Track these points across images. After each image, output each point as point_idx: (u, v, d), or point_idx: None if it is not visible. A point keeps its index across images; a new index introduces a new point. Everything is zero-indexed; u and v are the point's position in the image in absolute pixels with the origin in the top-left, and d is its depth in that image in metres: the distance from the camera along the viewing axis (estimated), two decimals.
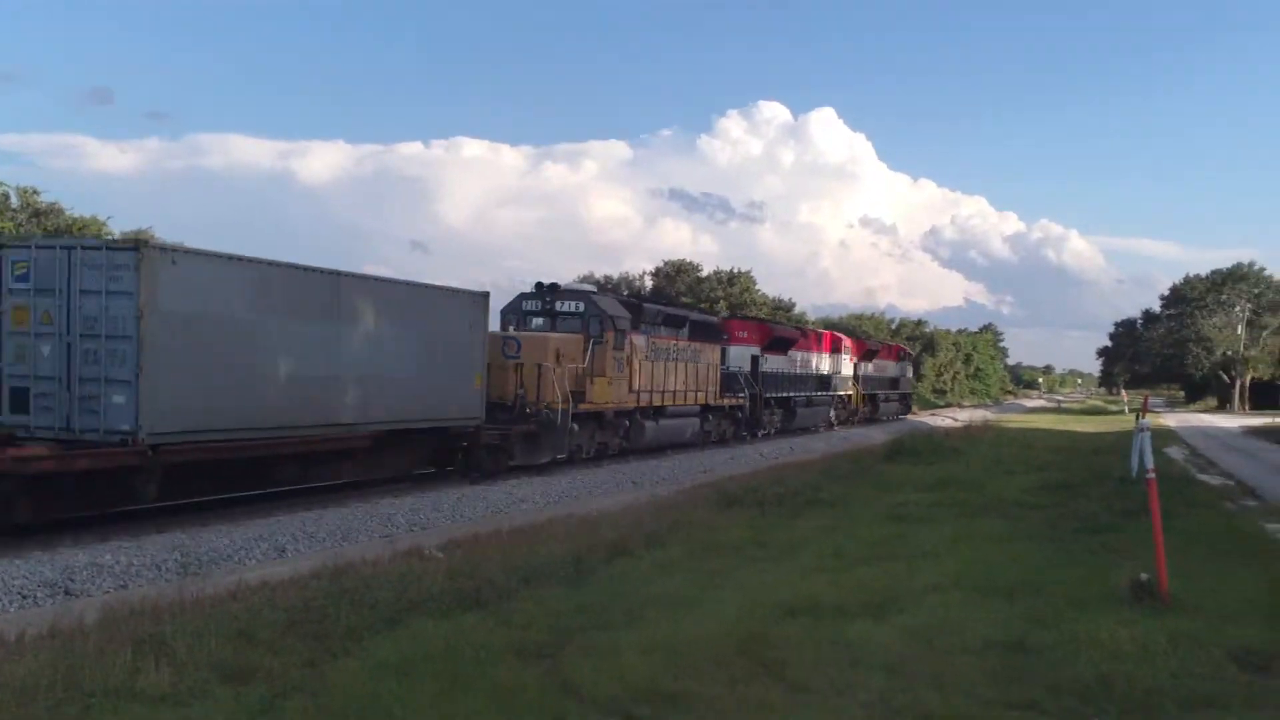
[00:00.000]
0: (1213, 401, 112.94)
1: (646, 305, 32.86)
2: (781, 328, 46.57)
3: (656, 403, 30.51)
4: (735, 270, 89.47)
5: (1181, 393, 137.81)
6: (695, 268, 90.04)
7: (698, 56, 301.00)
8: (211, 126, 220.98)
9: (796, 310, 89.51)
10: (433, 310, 21.43)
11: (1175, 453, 37.09)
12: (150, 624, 9.11)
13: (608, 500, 21.14)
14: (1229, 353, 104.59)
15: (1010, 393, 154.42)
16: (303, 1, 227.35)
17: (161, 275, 14.97)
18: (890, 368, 62.98)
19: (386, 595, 10.40)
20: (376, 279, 20.79)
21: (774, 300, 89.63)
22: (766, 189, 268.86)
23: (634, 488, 23.78)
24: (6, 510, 14.01)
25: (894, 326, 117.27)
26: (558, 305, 28.04)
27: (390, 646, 8.66)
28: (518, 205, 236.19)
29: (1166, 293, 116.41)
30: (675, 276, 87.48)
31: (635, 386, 29.11)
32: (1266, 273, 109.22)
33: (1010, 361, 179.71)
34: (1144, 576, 10.60)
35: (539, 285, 28.73)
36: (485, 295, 23.39)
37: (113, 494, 15.30)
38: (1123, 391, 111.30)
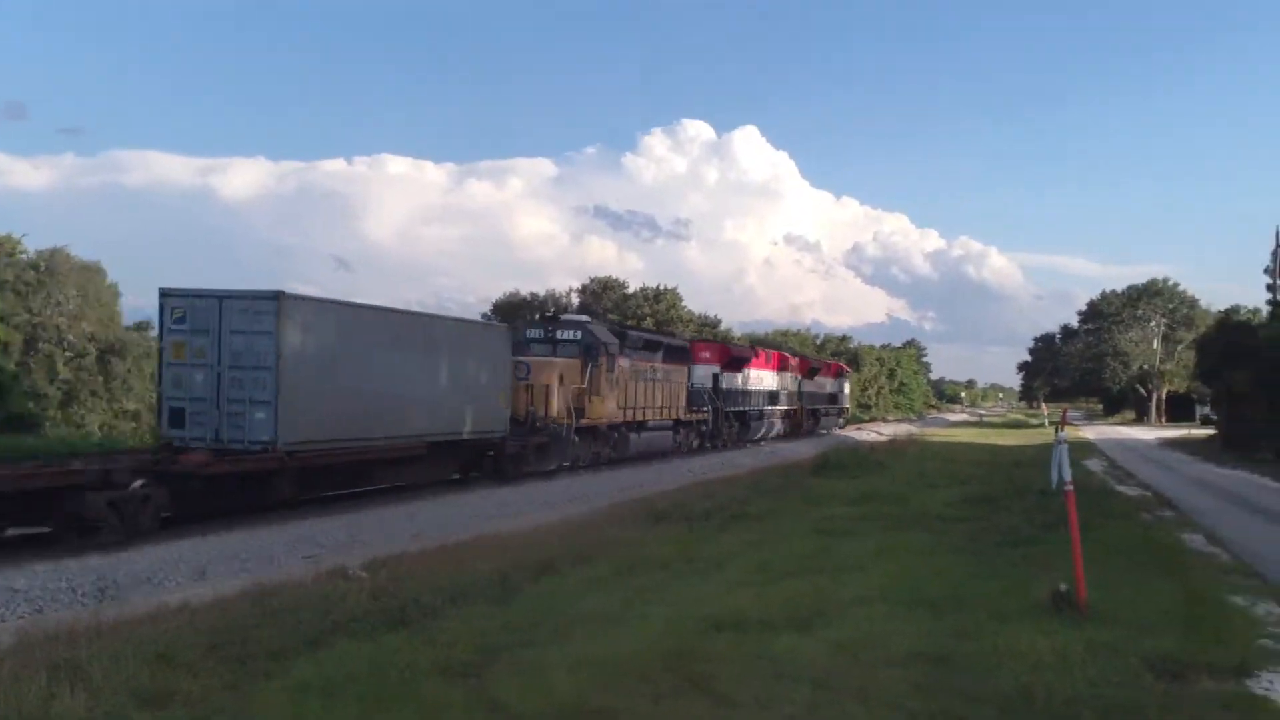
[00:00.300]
0: (1130, 414, 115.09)
1: (630, 332, 36.62)
2: (738, 348, 50.89)
3: (639, 418, 34.39)
4: (661, 287, 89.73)
5: (1100, 406, 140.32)
6: (621, 285, 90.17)
7: (621, 74, 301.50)
8: (129, 143, 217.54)
9: (723, 327, 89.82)
10: (471, 341, 25.70)
11: (1094, 465, 37.73)
12: (66, 649, 8.90)
13: (553, 514, 21.05)
14: (1145, 366, 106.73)
15: (933, 407, 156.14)
16: (222, 16, 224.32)
17: (294, 318, 18.77)
18: (829, 384, 66.78)
19: (310, 616, 10.28)
20: (438, 317, 26.44)
21: (700, 317, 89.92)
22: (691, 207, 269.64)
23: (586, 501, 23.70)
24: (182, 504, 17.49)
25: (819, 342, 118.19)
26: (558, 334, 31.57)
27: (313, 668, 8.55)
28: (443, 222, 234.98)
29: (1084, 308, 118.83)
30: (601, 294, 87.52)
31: (622, 404, 32.83)
32: (1180, 288, 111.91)
33: (933, 376, 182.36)
34: (1063, 587, 10.75)
35: (542, 315, 33.68)
36: (508, 327, 29.40)
37: (259, 493, 18.89)
38: (1043, 405, 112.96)
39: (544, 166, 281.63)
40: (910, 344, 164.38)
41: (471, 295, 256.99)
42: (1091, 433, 75.02)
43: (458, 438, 24.44)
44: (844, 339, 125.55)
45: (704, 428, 41.93)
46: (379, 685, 8.02)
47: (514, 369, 27.54)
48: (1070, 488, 11.83)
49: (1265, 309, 59.55)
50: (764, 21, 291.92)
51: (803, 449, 45.79)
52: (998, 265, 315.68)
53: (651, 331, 45.76)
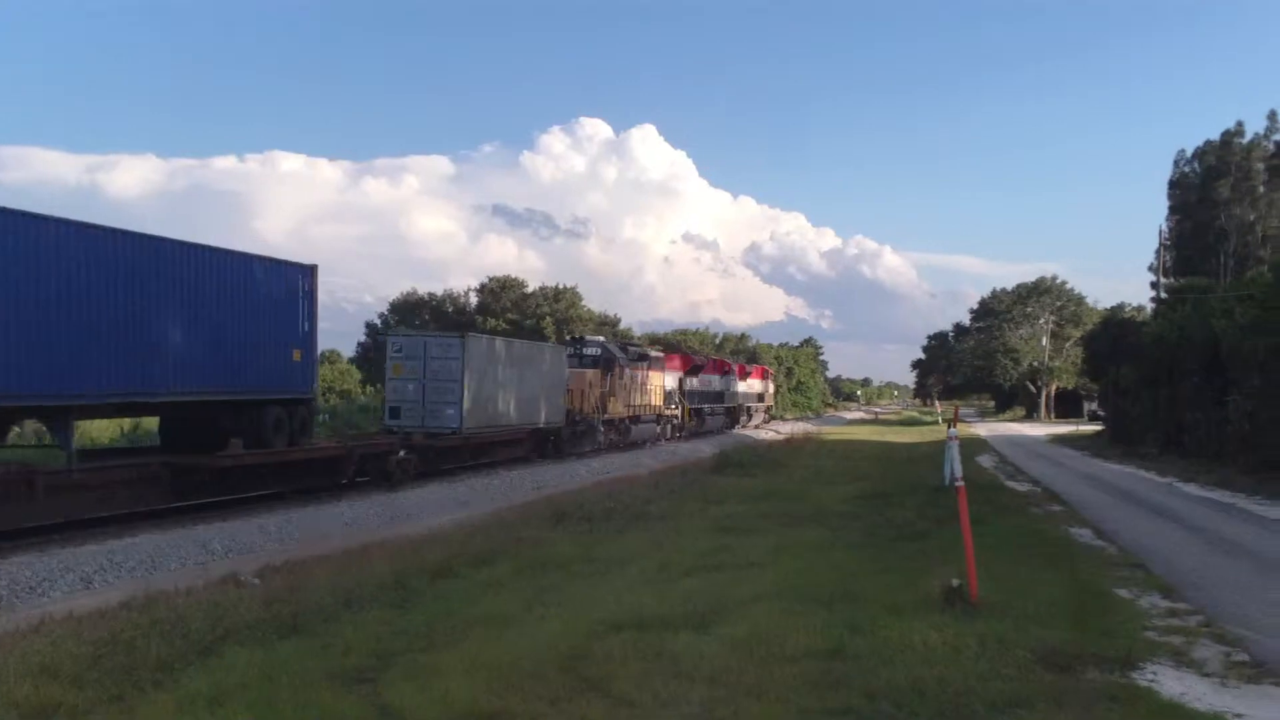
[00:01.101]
0: (1021, 410, 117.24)
1: (629, 348, 48.01)
2: (696, 357, 62.62)
3: (635, 414, 44.45)
4: (561, 286, 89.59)
5: (992, 402, 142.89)
6: (521, 284, 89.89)
7: (518, 72, 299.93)
8: (10, 139, 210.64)
9: (623, 326, 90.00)
10: (545, 358, 35.81)
11: (986, 461, 38.47)
12: None
13: (444, 518, 20.89)
14: (1035, 363, 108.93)
15: (831, 405, 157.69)
16: (109, 9, 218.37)
17: (469, 349, 29.15)
18: (757, 385, 76.94)
19: (200, 625, 10.09)
20: (530, 343, 39.99)
21: (600, 316, 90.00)
22: (590, 205, 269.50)
23: (461, 506, 23.57)
24: (403, 471, 26.02)
25: (718, 341, 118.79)
26: (584, 350, 41.54)
27: (203, 677, 8.40)
28: (338, 221, 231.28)
29: (975, 306, 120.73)
30: (500, 293, 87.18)
31: (626, 403, 43.17)
32: (1068, 286, 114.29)
33: (830, 374, 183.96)
34: (955, 582, 10.91)
35: (572, 337, 49.81)
36: (564, 345, 41.92)
37: (449, 460, 29.74)
38: (936, 402, 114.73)
39: (441, 164, 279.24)
40: (808, 342, 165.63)
41: (369, 294, 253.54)
42: (983, 429, 76.41)
43: (537, 427, 34.42)
44: (743, 337, 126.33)
45: (675, 421, 52.30)
46: (270, 694, 7.88)
47: None
48: (961, 483, 12.03)
49: (1149, 306, 61.26)
50: (659, 19, 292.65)
51: (702, 448, 46.06)
52: (892, 264, 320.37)
53: (639, 346, 55.23)
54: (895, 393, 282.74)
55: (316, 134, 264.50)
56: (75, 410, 17.89)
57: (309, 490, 23.19)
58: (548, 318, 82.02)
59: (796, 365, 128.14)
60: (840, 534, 16.99)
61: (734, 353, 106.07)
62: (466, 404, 28.54)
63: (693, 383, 56.29)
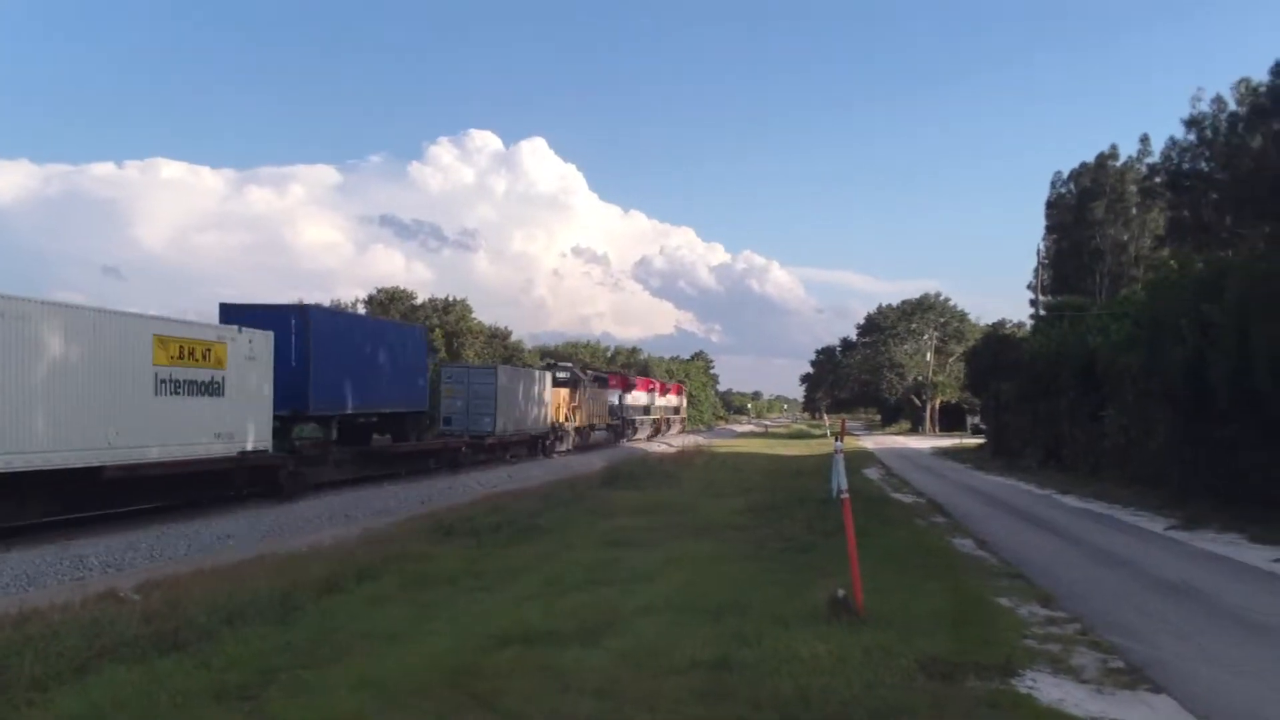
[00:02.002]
0: (906, 424, 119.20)
1: (587, 371, 62.65)
2: (631, 378, 77.60)
3: (593, 424, 59.56)
4: (451, 298, 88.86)
5: (878, 416, 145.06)
6: (409, 295, 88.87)
7: (407, 81, 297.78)
8: None
9: (513, 338, 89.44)
10: (537, 378, 48.99)
11: (872, 473, 39.00)
12: None
13: (325, 534, 20.55)
14: (919, 378, 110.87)
15: (721, 418, 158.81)
16: None
17: (501, 374, 43.08)
18: (674, 399, 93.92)
19: (76, 642, 9.76)
20: (533, 370, 51.99)
21: (490, 329, 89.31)
22: (479, 217, 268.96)
23: (347, 521, 23.22)
24: (454, 463, 38.12)
25: (610, 355, 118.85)
26: (557, 373, 54.23)
27: (78, 696, 8.15)
28: (221, 230, 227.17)
29: (862, 322, 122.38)
30: (389, 304, 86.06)
31: (587, 415, 57.59)
32: (951, 303, 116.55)
33: (721, 388, 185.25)
34: (841, 593, 11.00)
35: (549, 363, 62.53)
36: (548, 369, 55.13)
37: (487, 456, 41.42)
38: (825, 416, 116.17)
39: (327, 174, 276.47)
40: (698, 356, 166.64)
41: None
42: (870, 442, 77.50)
43: (537, 433, 48.35)
44: (634, 351, 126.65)
45: (616, 429, 66.45)
46: (149, 712, 7.68)
47: None
48: (846, 496, 12.14)
49: (1029, 323, 62.68)
50: (549, 32, 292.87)
51: (593, 461, 46.01)
52: (780, 279, 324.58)
53: (596, 369, 70.87)
54: (785, 406, 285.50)
55: (199, 141, 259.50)
56: (337, 417, 30.45)
57: (425, 471, 36.01)
58: (437, 329, 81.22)
59: (688, 378, 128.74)
60: (729, 546, 17.05)
61: (625, 366, 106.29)
62: (499, 415, 42.29)
63: (627, 398, 70.61)
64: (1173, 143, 36.17)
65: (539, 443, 48.41)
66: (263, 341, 25.27)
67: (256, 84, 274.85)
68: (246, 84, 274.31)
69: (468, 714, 7.70)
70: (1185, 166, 35.12)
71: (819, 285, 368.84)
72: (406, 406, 34.71)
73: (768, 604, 11.56)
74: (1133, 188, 56.70)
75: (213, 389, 23.12)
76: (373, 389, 31.92)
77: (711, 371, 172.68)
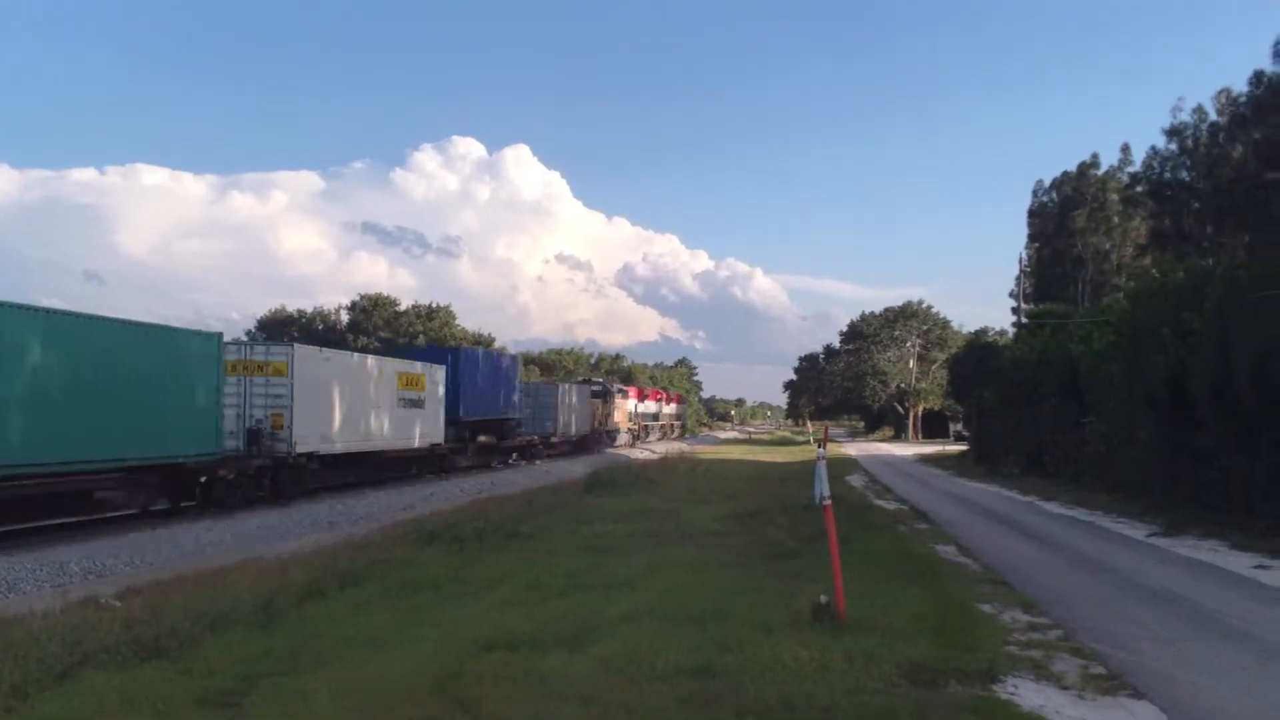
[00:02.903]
0: (889, 431, 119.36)
1: (613, 385, 78.72)
2: (645, 389, 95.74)
3: (616, 428, 74.31)
4: (434, 305, 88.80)
5: (861, 423, 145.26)
6: (393, 302, 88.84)
7: (390, 88, 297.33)
8: None
9: (497, 345, 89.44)
10: (577, 390, 63.08)
11: (856, 480, 39.04)
12: None
13: (306, 540, 20.48)
14: (902, 385, 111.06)
15: (705, 425, 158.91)
16: None
17: (559, 388, 59.79)
18: (676, 408, 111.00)
19: (57, 649, 9.71)
20: (581, 384, 69.32)
21: (475, 335, 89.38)
22: (463, 224, 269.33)
23: (347, 525, 23.15)
24: (532, 454, 52.59)
25: (593, 362, 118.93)
26: (593, 387, 70.47)
27: (59, 703, 8.13)
28: (203, 236, 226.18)
29: (845, 329, 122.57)
30: (372, 311, 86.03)
31: (613, 421, 72.66)
32: (934, 310, 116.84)
33: (705, 395, 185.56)
34: (823, 599, 11.02)
35: (585, 379, 78.75)
36: (584, 383, 73.01)
37: (550, 450, 55.94)
38: (808, 423, 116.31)
39: (310, 180, 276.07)
40: (682, 363, 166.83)
41: (235, 311, 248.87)
42: (854, 449, 77.60)
43: (583, 434, 61.73)
44: (618, 358, 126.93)
45: (634, 432, 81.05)
46: (130, 719, 7.61)
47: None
48: (829, 502, 12.16)
49: (1011, 331, 62.88)
50: (533, 39, 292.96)
51: (575, 468, 46.00)
52: (763, 286, 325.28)
53: (619, 385, 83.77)
54: (768, 413, 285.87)
55: (181, 147, 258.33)
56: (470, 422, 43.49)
57: (507, 460, 49.03)
58: (420, 336, 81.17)
59: (671, 385, 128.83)
60: (712, 553, 17.03)
61: (608, 373, 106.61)
62: (560, 419, 57.10)
63: (641, 406, 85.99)
64: (1154, 152, 36.47)
65: (583, 440, 62.70)
66: (440, 373, 39.12)
67: (239, 89, 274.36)
68: (229, 89, 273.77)
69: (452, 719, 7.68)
70: (1166, 176, 35.37)
71: (802, 292, 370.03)
72: (507, 415, 48.26)
73: (750, 610, 11.56)
74: (1114, 196, 57.00)
75: (419, 404, 36.72)
76: (490, 402, 45.89)
77: (695, 378, 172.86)
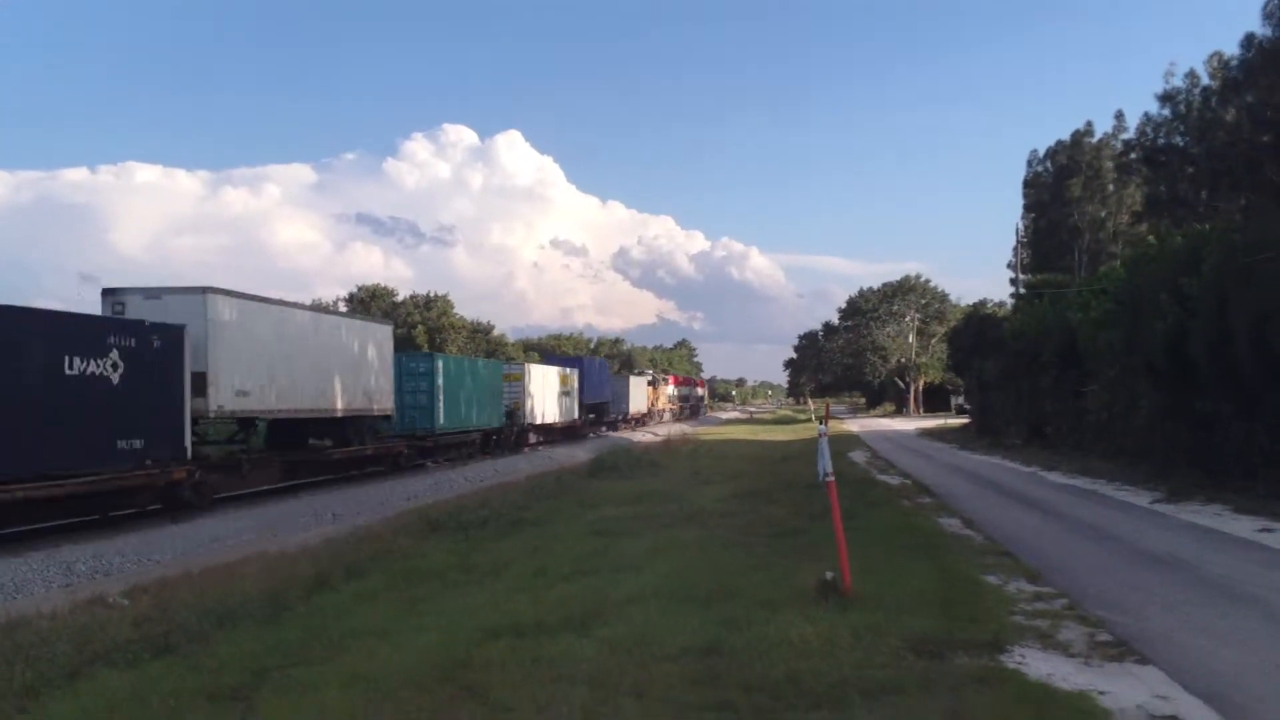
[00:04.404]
0: (891, 406, 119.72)
1: (659, 373, 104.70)
2: (678, 377, 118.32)
3: (664, 409, 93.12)
4: (432, 294, 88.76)
5: (863, 399, 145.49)
6: (390, 293, 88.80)
7: (380, 78, 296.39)
8: None
9: (496, 332, 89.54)
10: (633, 378, 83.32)
11: (858, 456, 39.10)
12: None
13: (310, 533, 20.53)
14: (902, 360, 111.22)
15: (707, 406, 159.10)
16: None
17: (630, 379, 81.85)
18: (699, 391, 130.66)
19: (66, 649, 9.79)
20: (639, 376, 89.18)
21: (473, 324, 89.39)
22: (457, 212, 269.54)
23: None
24: (614, 426, 73.33)
25: (593, 346, 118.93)
26: (643, 376, 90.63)
27: (71, 702, 8.17)
28: (197, 232, 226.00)
29: (843, 306, 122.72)
30: (370, 302, 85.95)
31: (660, 402, 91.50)
32: (932, 284, 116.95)
33: (705, 375, 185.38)
34: (829, 575, 11.05)
35: (638, 371, 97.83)
36: (642, 375, 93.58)
37: (626, 425, 76.85)
38: (809, 400, 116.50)
39: (302, 173, 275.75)
40: (681, 344, 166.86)
41: None
42: (855, 425, 77.70)
43: (642, 414, 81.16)
44: (617, 341, 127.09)
45: (674, 410, 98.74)
46: (141, 715, 7.68)
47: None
48: (831, 479, 12.16)
49: (1009, 302, 62.89)
50: (523, 25, 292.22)
51: (578, 453, 46.08)
52: (760, 265, 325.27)
53: (662, 374, 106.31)
54: (769, 392, 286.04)
55: (173, 143, 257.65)
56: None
57: (606, 430, 69.21)
58: (420, 326, 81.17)
59: (671, 367, 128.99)
60: (716, 533, 17.09)
61: (609, 357, 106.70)
62: (632, 402, 76.36)
63: (677, 391, 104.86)
64: (1147, 118, 36.35)
65: (639, 419, 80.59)
66: (575, 374, 59.35)
67: (229, 84, 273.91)
68: (220, 84, 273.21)
69: (460, 706, 7.70)
70: (1160, 141, 35.28)
71: (799, 270, 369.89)
72: (605, 400, 69.46)
73: (756, 589, 11.60)
74: (1109, 164, 56.88)
75: (570, 394, 57.56)
76: (598, 392, 67.17)
77: (695, 360, 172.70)
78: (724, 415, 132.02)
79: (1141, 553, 15.17)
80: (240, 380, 24.81)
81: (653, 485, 26.84)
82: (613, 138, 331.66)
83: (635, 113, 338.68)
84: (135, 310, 23.11)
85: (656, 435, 63.37)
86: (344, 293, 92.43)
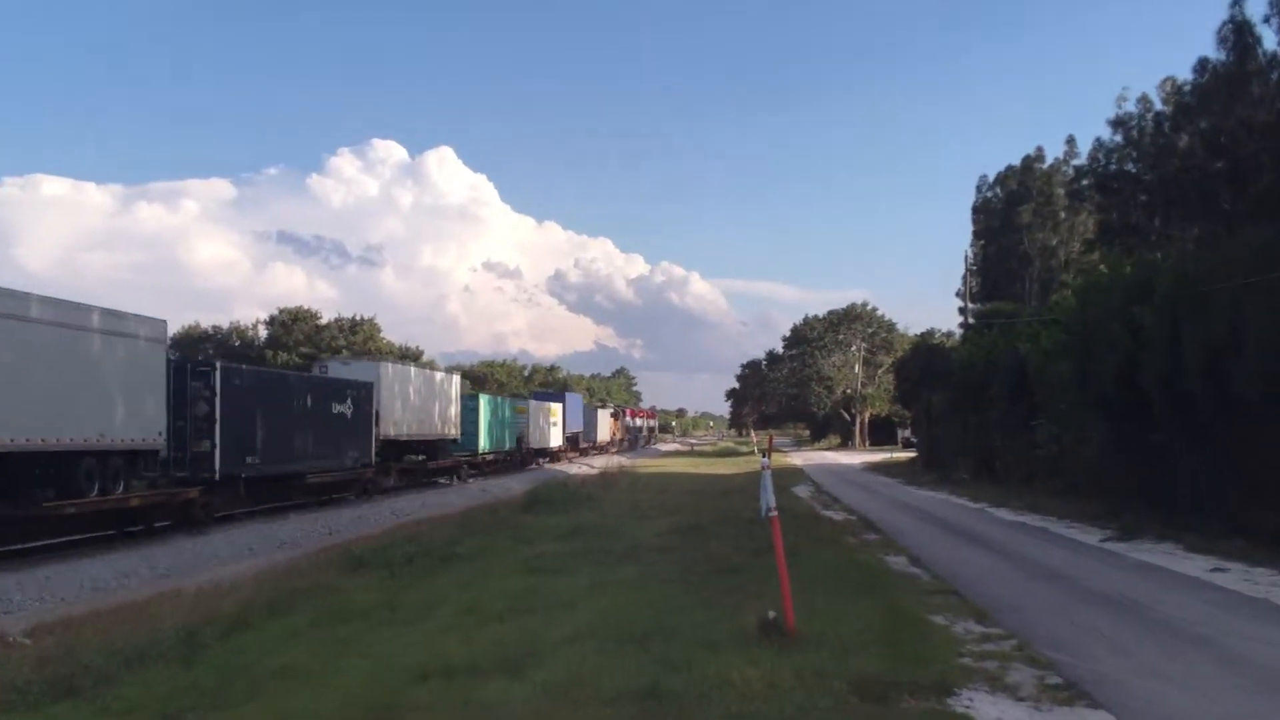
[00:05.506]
0: (836, 439, 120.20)
1: (623, 408, 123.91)
2: (635, 409, 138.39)
3: (623, 438, 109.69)
4: (358, 317, 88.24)
5: (807, 431, 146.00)
6: (314, 315, 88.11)
7: (305, 89, 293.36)
8: None
9: (425, 358, 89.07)
10: (602, 410, 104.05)
11: (802, 491, 39.27)
12: None
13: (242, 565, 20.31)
14: (848, 390, 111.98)
15: (657, 437, 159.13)
16: None
17: (596, 410, 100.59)
18: (651, 422, 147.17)
19: None
20: (605, 407, 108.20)
21: (401, 348, 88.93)
22: (385, 231, 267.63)
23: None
24: (582, 454, 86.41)
25: (527, 374, 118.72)
26: (608, 407, 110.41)
27: None
28: (109, 249, 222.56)
29: (788, 334, 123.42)
30: (292, 325, 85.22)
31: (619, 434, 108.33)
32: (879, 312, 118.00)
33: (645, 406, 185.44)
34: (771, 614, 11.09)
35: (602, 403, 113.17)
36: (602, 406, 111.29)
37: (592, 452, 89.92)
38: (752, 433, 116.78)
39: (221, 188, 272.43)
40: (620, 373, 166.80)
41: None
42: (799, 459, 78.04)
43: (606, 442, 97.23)
44: (553, 369, 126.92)
45: (629, 440, 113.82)
46: None
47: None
48: (775, 514, 12.23)
49: (958, 332, 63.51)
50: (454, 35, 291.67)
51: (513, 485, 45.95)
52: (701, 291, 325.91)
53: (622, 406, 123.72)
54: (711, 423, 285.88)
55: (83, 156, 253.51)
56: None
57: (575, 456, 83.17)
58: (344, 351, 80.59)
59: (610, 396, 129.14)
60: (655, 570, 17.11)
61: (543, 384, 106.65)
62: (599, 431, 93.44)
63: (633, 422, 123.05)
64: (1099, 144, 36.83)
65: (607, 447, 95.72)
66: (559, 408, 74.96)
67: (143, 94, 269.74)
68: (132, 94, 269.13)
69: None
70: (1112, 168, 35.79)
71: (742, 297, 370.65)
72: (580, 430, 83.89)
73: (696, 628, 11.62)
74: (1060, 190, 57.54)
75: (557, 425, 72.58)
76: (575, 422, 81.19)
77: (634, 389, 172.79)
78: (664, 447, 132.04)
79: (1092, 593, 15.38)
80: (396, 415, 41.51)
81: (589, 520, 26.76)
82: (549, 156, 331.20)
83: (572, 130, 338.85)
84: (335, 371, 40.78)
85: (593, 468, 63.23)
86: (264, 315, 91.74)
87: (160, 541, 23.78)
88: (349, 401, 35.86)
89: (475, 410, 52.74)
